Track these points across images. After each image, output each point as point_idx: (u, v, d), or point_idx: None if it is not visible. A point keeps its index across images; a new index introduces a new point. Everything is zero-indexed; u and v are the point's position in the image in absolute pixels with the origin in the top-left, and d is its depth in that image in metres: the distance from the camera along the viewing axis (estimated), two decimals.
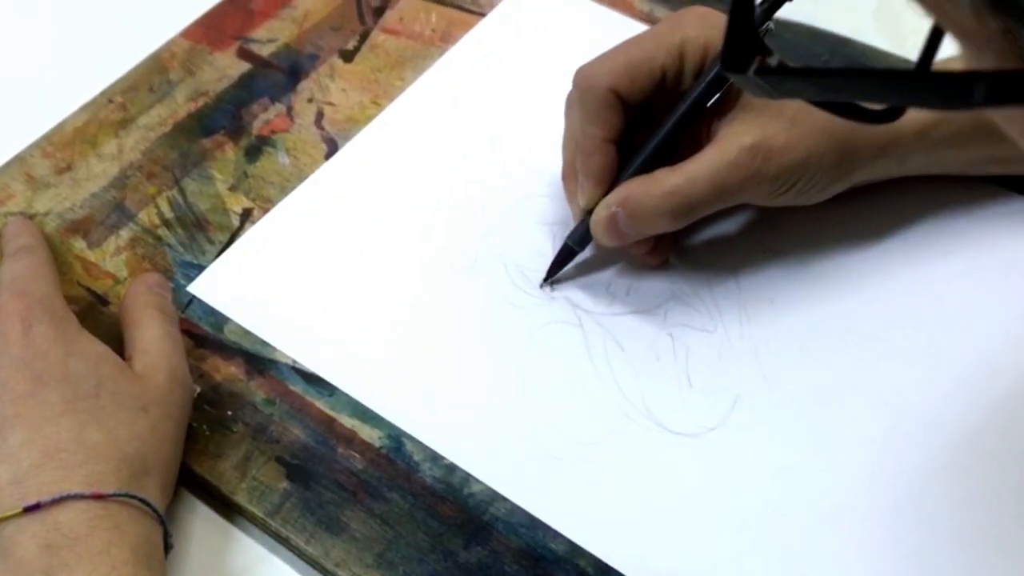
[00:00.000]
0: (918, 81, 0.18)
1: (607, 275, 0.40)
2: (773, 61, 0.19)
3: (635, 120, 0.38)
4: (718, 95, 0.38)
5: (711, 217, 0.40)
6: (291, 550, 0.36)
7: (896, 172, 0.40)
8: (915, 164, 0.39)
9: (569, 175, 0.40)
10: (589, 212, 0.39)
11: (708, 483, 0.35)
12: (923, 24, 0.19)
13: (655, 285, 0.40)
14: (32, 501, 0.31)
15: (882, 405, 0.36)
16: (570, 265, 0.41)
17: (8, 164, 0.46)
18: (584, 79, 0.38)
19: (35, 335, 0.35)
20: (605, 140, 0.38)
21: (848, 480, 0.35)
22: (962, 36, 0.19)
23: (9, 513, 0.31)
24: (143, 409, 0.35)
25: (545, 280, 0.40)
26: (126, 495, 0.33)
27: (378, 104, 0.47)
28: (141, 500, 0.33)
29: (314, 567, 0.36)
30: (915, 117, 0.37)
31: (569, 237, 0.40)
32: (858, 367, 0.37)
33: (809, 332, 0.38)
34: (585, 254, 0.41)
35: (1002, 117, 0.20)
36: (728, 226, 0.41)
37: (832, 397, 0.37)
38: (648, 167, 0.38)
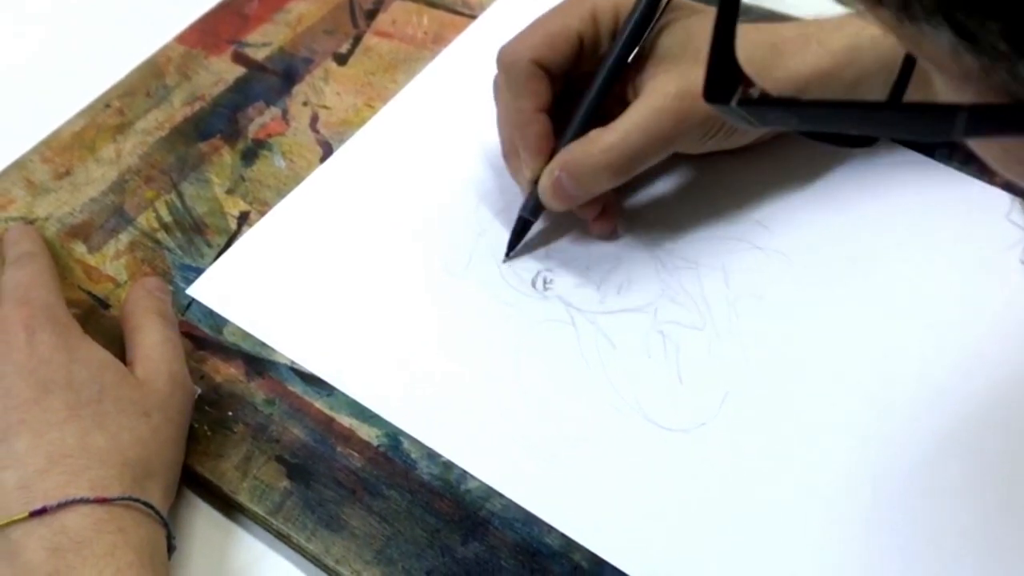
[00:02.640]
0: (899, 113, 0.19)
1: (599, 274, 0.41)
2: (755, 92, 0.20)
3: (562, 92, 0.41)
4: (635, 51, 0.40)
5: (701, 217, 0.41)
6: (292, 547, 0.37)
7: None
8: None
9: (510, 152, 0.42)
10: (536, 183, 0.40)
11: (699, 477, 0.36)
12: None
13: (646, 284, 0.41)
14: (39, 506, 0.32)
15: (871, 399, 0.37)
16: (564, 267, 0.41)
17: (8, 169, 0.47)
18: (507, 55, 0.40)
19: (38, 342, 0.35)
20: (536, 111, 0.40)
21: (836, 474, 0.36)
22: (938, 69, 0.19)
23: (16, 517, 0.32)
24: (145, 414, 0.35)
25: (507, 255, 0.42)
26: (130, 499, 0.33)
27: (372, 107, 0.47)
28: (145, 504, 0.34)
29: (315, 564, 0.36)
30: (820, 61, 0.38)
31: (522, 209, 0.42)
32: (847, 361, 0.38)
33: (797, 327, 0.39)
34: (577, 250, 0.42)
35: (977, 144, 0.21)
36: (717, 224, 0.42)
37: (820, 391, 0.37)
38: (582, 130, 0.40)
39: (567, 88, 0.41)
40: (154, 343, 0.38)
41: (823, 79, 0.39)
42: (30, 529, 0.32)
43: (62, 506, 0.32)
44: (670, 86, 0.38)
